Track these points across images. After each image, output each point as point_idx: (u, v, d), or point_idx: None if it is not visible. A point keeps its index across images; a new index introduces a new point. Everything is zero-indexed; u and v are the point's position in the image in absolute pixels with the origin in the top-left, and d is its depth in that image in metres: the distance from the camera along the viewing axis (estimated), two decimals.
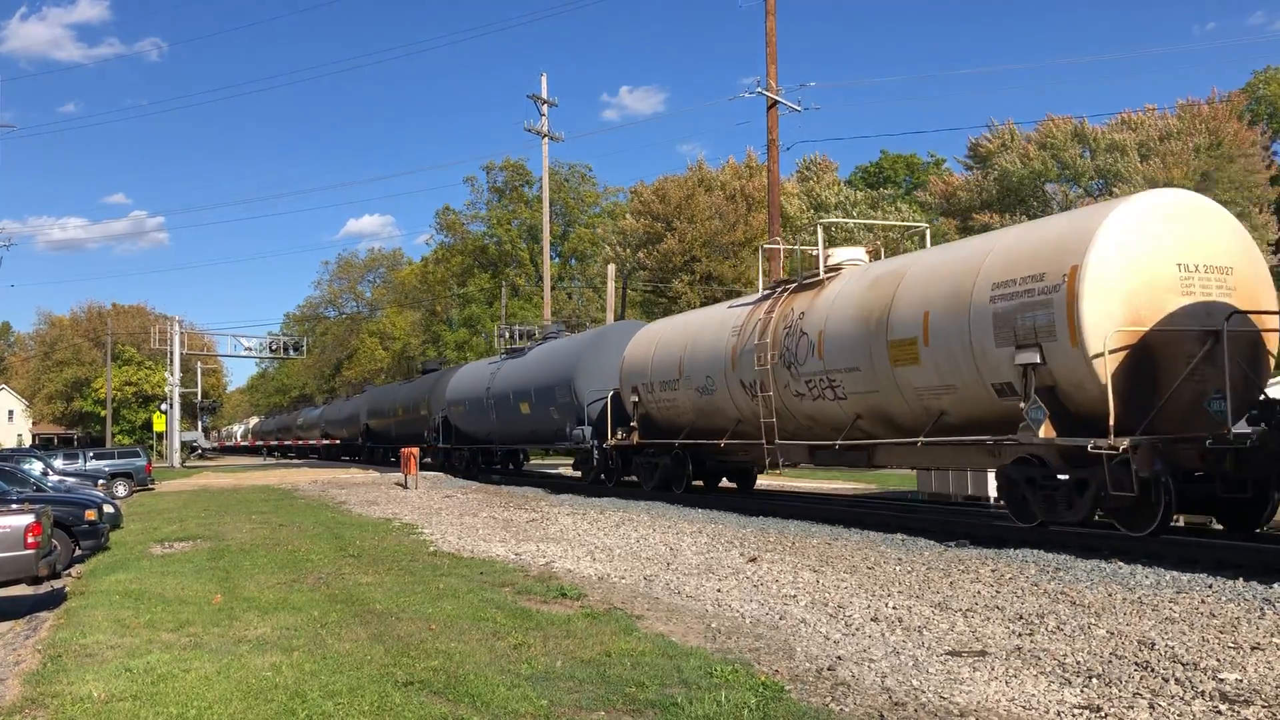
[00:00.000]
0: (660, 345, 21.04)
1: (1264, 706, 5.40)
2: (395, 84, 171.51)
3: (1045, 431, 11.22)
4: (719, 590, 9.57)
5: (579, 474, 26.22)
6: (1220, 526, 12.19)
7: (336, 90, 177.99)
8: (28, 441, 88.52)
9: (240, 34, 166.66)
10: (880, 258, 16.94)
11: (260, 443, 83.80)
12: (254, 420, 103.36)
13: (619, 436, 22.33)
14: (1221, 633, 7.04)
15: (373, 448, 49.15)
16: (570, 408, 24.30)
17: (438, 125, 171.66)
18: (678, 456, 20.60)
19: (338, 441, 58.04)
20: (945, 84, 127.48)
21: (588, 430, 23.39)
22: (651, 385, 20.95)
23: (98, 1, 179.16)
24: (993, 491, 19.38)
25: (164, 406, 58.38)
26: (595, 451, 23.26)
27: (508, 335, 32.67)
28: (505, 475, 32.59)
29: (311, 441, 65.65)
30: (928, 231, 18.60)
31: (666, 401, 20.47)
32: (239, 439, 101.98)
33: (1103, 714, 5.42)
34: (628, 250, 55.39)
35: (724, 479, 22.45)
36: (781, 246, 25.49)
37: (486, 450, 33.66)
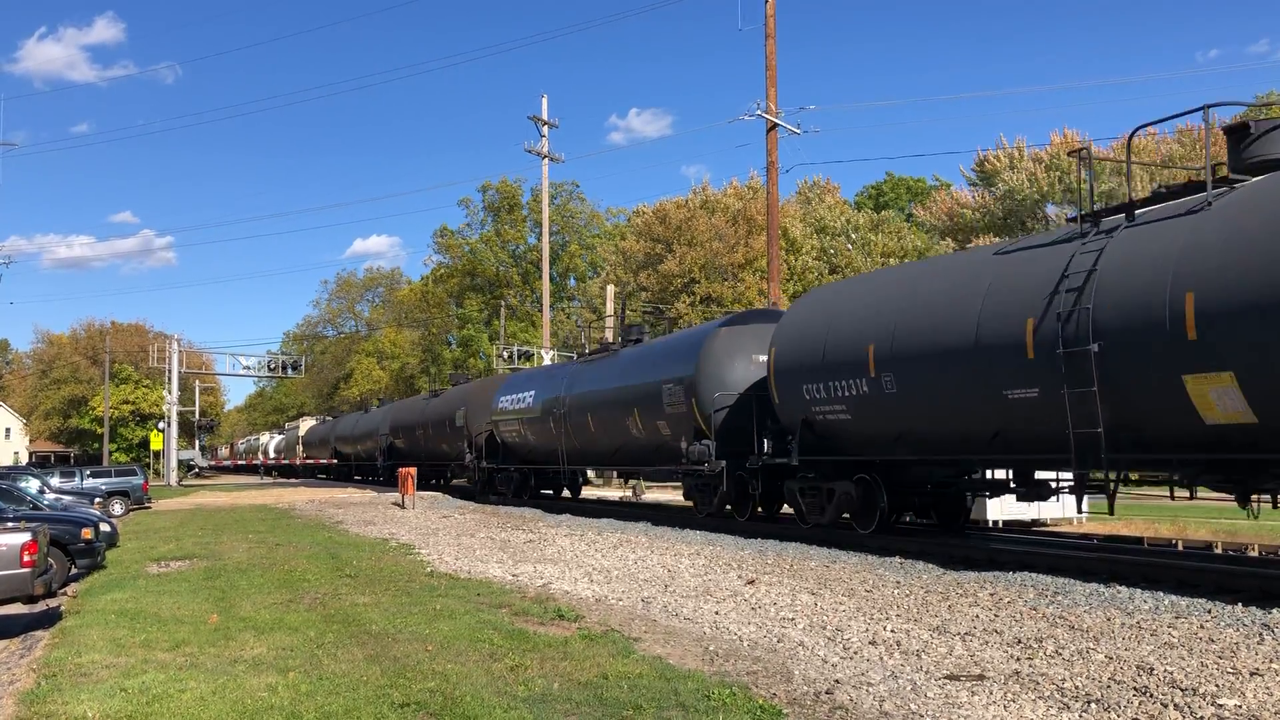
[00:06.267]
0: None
1: None
2: (404, 105, 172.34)
3: None
4: (717, 612, 9.55)
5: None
6: None
7: (345, 111, 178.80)
8: (24, 459, 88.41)
9: (250, 55, 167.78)
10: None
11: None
12: (308, 423, 71.40)
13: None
14: (1221, 658, 7.02)
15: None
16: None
17: (446, 146, 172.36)
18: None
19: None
20: (947, 107, 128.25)
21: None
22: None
23: (113, 24, 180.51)
24: (990, 514, 19.20)
25: (161, 425, 58.35)
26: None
27: (506, 356, 32.69)
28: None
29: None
30: None
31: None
32: (272, 454, 78.05)
33: None
34: (629, 273, 55.55)
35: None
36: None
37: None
